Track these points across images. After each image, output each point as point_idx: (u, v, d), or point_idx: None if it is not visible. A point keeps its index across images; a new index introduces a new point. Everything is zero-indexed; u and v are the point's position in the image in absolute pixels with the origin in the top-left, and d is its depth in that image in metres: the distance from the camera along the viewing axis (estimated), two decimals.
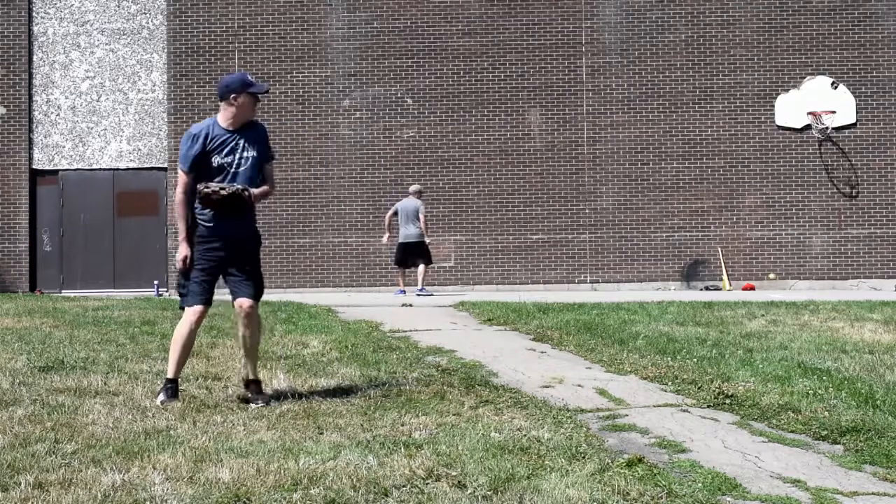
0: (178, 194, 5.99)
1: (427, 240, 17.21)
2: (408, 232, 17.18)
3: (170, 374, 5.98)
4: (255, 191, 5.99)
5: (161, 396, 5.88)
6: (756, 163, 19.12)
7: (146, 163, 19.17)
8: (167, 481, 4.08)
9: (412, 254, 17.25)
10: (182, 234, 5.97)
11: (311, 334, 9.39)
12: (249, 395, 6.01)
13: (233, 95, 5.98)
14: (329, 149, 19.07)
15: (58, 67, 19.25)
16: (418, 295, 16.69)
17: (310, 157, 19.06)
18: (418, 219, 17.06)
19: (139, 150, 19.17)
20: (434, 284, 18.64)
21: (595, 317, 11.09)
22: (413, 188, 17.61)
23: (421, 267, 17.21)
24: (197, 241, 5.96)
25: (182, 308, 6.06)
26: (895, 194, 19.14)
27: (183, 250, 5.95)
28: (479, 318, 11.76)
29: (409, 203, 17.30)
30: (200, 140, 5.94)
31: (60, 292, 18.38)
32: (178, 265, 5.99)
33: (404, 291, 17.12)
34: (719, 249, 18.95)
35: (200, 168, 5.93)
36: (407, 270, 17.52)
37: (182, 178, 5.97)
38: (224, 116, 6.02)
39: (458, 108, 19.12)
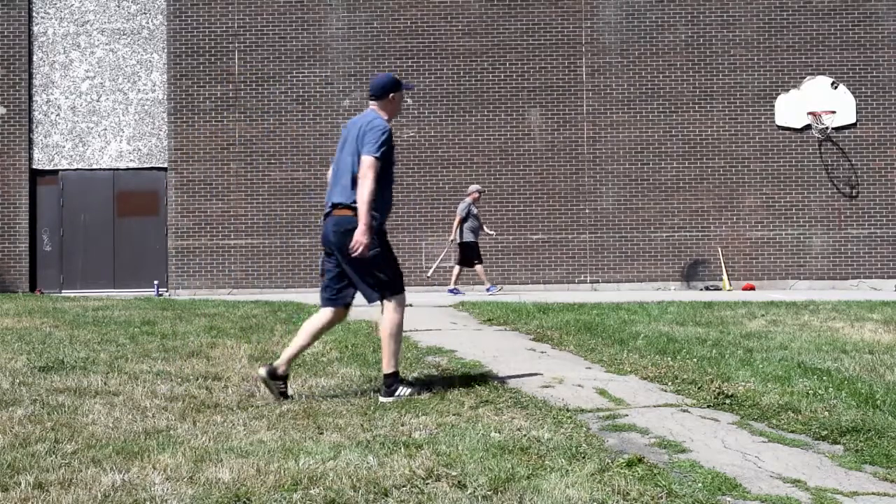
0: (373, 181, 5.90)
1: (450, 238, 17.49)
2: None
3: (392, 369, 6.08)
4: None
5: (407, 390, 6.01)
6: (756, 163, 19.12)
7: (146, 163, 19.18)
8: (167, 481, 4.08)
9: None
10: (369, 221, 5.89)
11: None
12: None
13: (392, 94, 6.24)
14: (329, 149, 19.06)
15: (58, 67, 19.25)
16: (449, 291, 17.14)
17: (310, 157, 19.06)
18: (464, 221, 17.27)
19: (139, 150, 19.17)
20: (434, 284, 18.65)
21: (595, 317, 11.09)
22: (469, 188, 17.69)
23: (478, 267, 17.45)
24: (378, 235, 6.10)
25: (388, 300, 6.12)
26: (895, 194, 19.13)
27: (370, 237, 5.92)
28: (479, 318, 11.75)
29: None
30: (390, 136, 6.14)
31: (60, 292, 18.38)
32: (365, 252, 5.88)
33: (490, 289, 17.32)
34: (719, 249, 18.95)
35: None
36: (467, 269, 17.74)
37: (377, 165, 5.94)
38: (384, 115, 6.22)
39: (458, 108, 19.12)
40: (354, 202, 5.96)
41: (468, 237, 17.21)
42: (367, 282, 6.07)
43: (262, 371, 6.00)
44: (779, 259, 19.08)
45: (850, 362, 7.36)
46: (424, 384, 6.42)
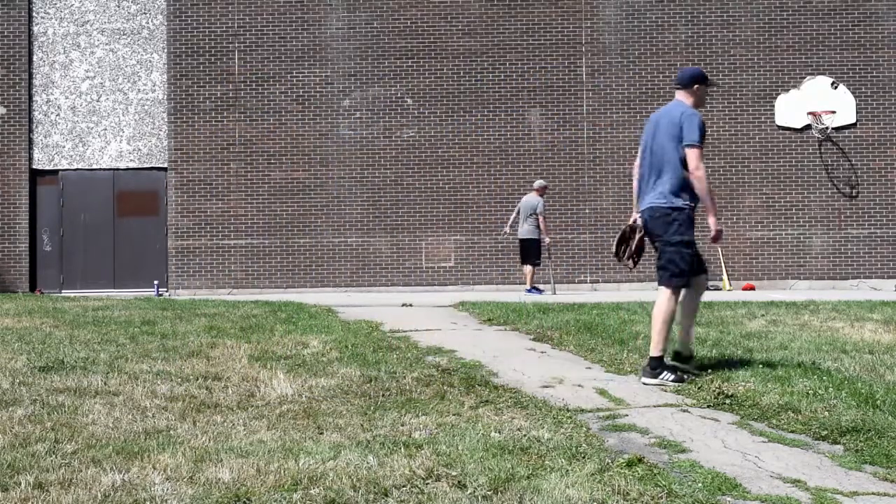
0: (702, 169, 6.41)
1: (546, 239, 17.14)
2: (521, 229, 17.18)
3: (659, 353, 6.44)
4: None
5: (671, 376, 6.35)
6: (756, 163, 19.12)
7: (146, 163, 19.18)
8: (167, 481, 4.08)
9: (523, 251, 17.24)
10: (714, 208, 6.53)
11: (311, 334, 9.39)
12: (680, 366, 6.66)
13: (696, 85, 6.67)
14: (329, 149, 19.07)
15: (58, 67, 19.25)
16: (527, 292, 16.72)
17: (310, 157, 19.06)
18: (534, 217, 17.02)
19: (139, 150, 19.17)
20: (434, 284, 18.67)
21: (595, 317, 11.09)
22: (537, 183, 17.43)
23: (527, 267, 17.17)
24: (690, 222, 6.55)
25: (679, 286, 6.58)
26: (895, 194, 19.14)
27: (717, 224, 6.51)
28: (479, 318, 11.75)
29: (528, 200, 17.24)
30: (704, 123, 6.52)
31: (60, 292, 18.39)
32: (716, 240, 6.52)
33: (537, 290, 17.03)
34: (719, 249, 18.95)
35: None
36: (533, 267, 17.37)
37: (700, 153, 6.40)
38: (688, 103, 6.63)
39: (458, 108, 19.12)
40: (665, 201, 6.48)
41: (529, 233, 17.10)
42: (662, 264, 6.61)
43: (670, 378, 6.40)
44: (779, 259, 19.07)
45: (850, 362, 7.36)
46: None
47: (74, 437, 4.90)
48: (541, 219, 17.02)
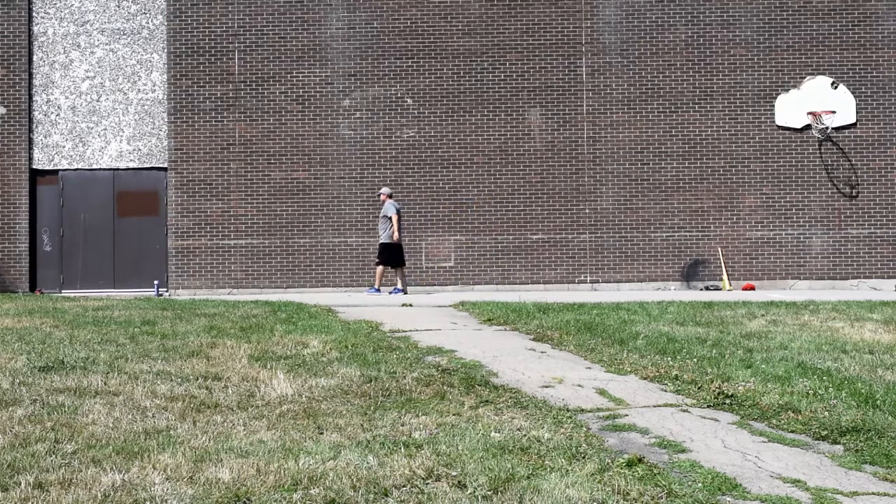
0: None
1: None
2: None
3: None
4: None
5: None
6: (756, 163, 19.12)
7: (146, 163, 19.17)
8: (167, 481, 4.08)
9: (401, 254, 17.89)
10: None
11: (311, 334, 9.39)
12: None
13: None
14: (329, 149, 19.06)
15: (58, 67, 19.25)
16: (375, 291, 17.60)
17: (310, 157, 19.06)
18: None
19: (139, 150, 19.17)
20: (434, 284, 18.68)
21: (595, 317, 11.09)
22: (388, 189, 18.13)
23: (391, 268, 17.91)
24: None
25: None
26: (895, 194, 19.14)
27: None
28: (479, 318, 11.75)
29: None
30: None
31: (60, 292, 18.38)
32: None
33: (403, 291, 17.56)
34: (719, 249, 18.95)
35: None
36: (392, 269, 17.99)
37: None
38: None
39: (458, 108, 19.12)
40: None
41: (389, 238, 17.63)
42: None
43: None
44: (779, 259, 19.07)
45: (850, 362, 7.36)
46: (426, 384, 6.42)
47: (74, 437, 4.89)
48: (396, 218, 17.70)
